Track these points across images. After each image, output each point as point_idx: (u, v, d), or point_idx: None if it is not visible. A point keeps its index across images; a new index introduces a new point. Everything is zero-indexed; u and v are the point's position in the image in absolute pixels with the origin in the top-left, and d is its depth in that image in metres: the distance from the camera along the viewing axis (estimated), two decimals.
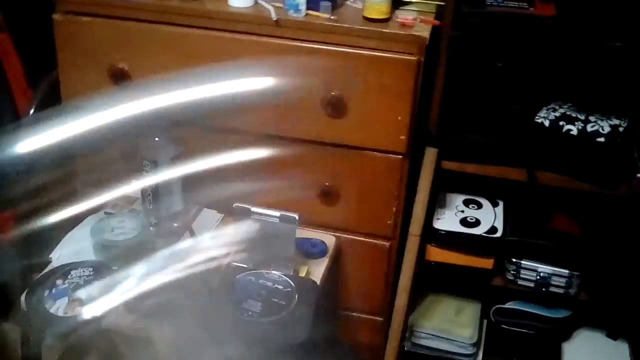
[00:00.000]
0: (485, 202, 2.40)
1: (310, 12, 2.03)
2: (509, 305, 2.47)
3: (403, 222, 2.22)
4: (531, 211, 2.37)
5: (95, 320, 1.79)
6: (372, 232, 2.24)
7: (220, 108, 1.97)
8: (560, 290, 2.27)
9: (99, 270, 1.88)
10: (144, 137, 2.01)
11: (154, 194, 2.04)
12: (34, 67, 2.25)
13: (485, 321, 2.54)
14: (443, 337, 2.43)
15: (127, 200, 2.22)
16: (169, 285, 1.64)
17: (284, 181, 2.20)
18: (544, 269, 2.25)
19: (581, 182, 2.12)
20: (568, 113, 2.13)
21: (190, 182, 2.13)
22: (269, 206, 2.01)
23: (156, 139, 2.00)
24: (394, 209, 2.18)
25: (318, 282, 2.06)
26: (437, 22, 2.06)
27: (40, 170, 2.22)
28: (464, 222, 2.30)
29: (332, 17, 2.01)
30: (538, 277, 2.26)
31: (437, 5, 2.11)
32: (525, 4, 2.09)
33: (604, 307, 2.35)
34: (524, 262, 2.26)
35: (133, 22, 2.09)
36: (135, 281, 1.62)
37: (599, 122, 2.09)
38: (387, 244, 2.25)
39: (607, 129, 2.06)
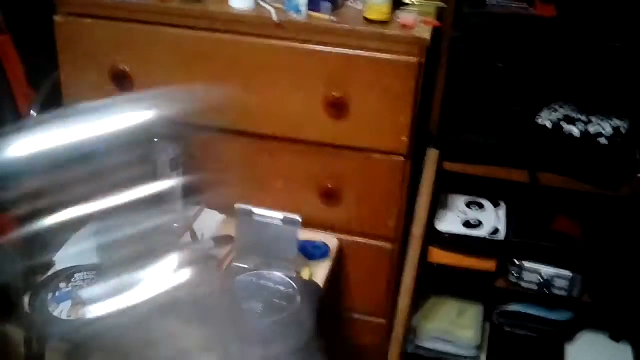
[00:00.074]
0: (487, 204, 2.40)
1: (311, 13, 2.03)
2: (511, 307, 2.47)
3: (405, 224, 2.22)
4: (533, 213, 2.37)
5: (99, 322, 1.79)
6: (374, 234, 2.24)
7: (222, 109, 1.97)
8: (563, 292, 2.27)
9: (102, 273, 1.88)
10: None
11: (154, 195, 2.04)
12: (35, 69, 2.25)
13: (487, 323, 2.54)
14: (445, 339, 2.43)
15: None
16: (171, 286, 1.64)
17: (286, 183, 2.21)
18: (547, 270, 2.25)
19: (583, 183, 2.12)
20: (569, 114, 2.13)
21: (191, 183, 2.13)
22: (271, 208, 2.01)
23: (155, 140, 2.00)
24: (396, 210, 2.18)
25: (320, 284, 2.06)
26: (438, 23, 2.06)
27: (43, 172, 2.22)
28: (466, 223, 2.30)
29: (333, 19, 2.01)
30: (541, 279, 2.26)
31: (438, 6, 2.11)
32: (525, 4, 2.10)
33: (607, 309, 2.35)
34: (526, 264, 2.26)
35: (134, 23, 2.09)
36: (137, 282, 1.62)
37: (601, 123, 2.09)
38: (389, 245, 2.25)
39: (608, 130, 2.06)
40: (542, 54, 2.09)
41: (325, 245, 2.20)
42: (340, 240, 2.26)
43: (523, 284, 2.30)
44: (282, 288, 1.95)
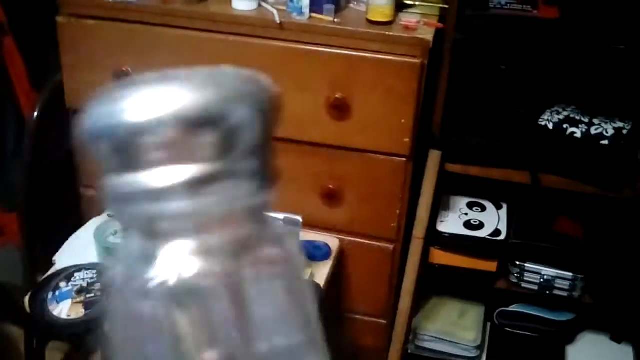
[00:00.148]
0: (489, 205, 2.39)
1: (314, 15, 2.03)
2: (512, 308, 2.47)
3: (407, 225, 2.22)
4: (535, 214, 2.37)
5: (98, 321, 1.79)
6: (376, 235, 2.24)
7: None
8: (564, 293, 2.27)
9: (102, 272, 1.88)
10: None
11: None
12: (38, 70, 2.25)
13: (489, 324, 2.54)
14: (446, 340, 2.43)
15: None
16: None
17: (288, 183, 2.20)
18: (548, 271, 2.25)
19: (585, 184, 2.12)
20: (572, 116, 2.13)
21: None
22: (272, 208, 2.01)
23: None
24: (398, 211, 2.18)
25: (322, 284, 2.06)
26: (440, 25, 2.06)
27: (45, 172, 2.22)
28: (467, 224, 2.30)
29: (335, 20, 2.01)
30: (542, 280, 2.26)
31: (441, 8, 2.11)
32: (529, 6, 2.09)
33: (608, 310, 2.35)
34: (527, 265, 2.26)
35: (137, 24, 2.09)
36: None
37: (603, 124, 2.08)
38: (390, 246, 2.25)
39: (610, 132, 2.06)
40: (545, 56, 2.09)
41: (327, 245, 2.21)
42: (341, 240, 2.26)
43: (524, 285, 2.29)
44: None
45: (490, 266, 2.30)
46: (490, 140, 2.19)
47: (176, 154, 0.47)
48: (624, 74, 2.09)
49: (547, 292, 2.27)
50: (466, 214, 2.35)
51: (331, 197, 2.19)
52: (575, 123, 2.10)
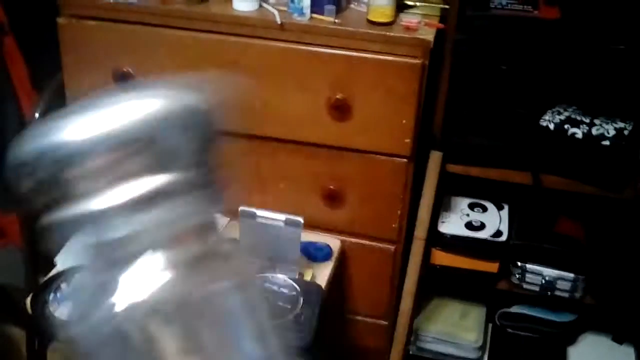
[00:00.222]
0: (490, 206, 2.39)
1: (315, 15, 2.03)
2: (514, 309, 2.47)
3: (408, 226, 2.22)
4: (536, 215, 2.37)
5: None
6: (377, 236, 2.24)
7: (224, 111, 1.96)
8: (566, 294, 2.27)
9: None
10: None
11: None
12: (39, 71, 2.25)
13: (490, 325, 2.53)
14: (448, 341, 2.43)
15: None
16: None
17: (289, 184, 2.21)
18: (549, 272, 2.25)
19: (586, 185, 2.12)
20: (573, 116, 2.12)
21: None
22: (274, 210, 2.01)
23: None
24: (399, 212, 2.18)
25: (323, 285, 2.06)
26: (441, 26, 2.06)
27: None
28: (469, 225, 2.30)
29: (336, 21, 2.01)
30: (543, 281, 2.26)
31: (442, 8, 2.11)
32: (529, 6, 2.09)
33: (610, 311, 2.35)
34: (529, 266, 2.26)
35: (138, 25, 2.09)
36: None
37: (604, 125, 2.08)
38: (392, 247, 2.25)
39: (612, 132, 2.06)
40: (546, 56, 2.09)
41: (328, 246, 2.20)
42: (342, 241, 2.26)
43: (525, 286, 2.29)
44: (285, 291, 1.95)
45: (492, 267, 2.30)
46: (491, 141, 2.19)
47: (111, 178, 0.47)
48: (624, 74, 2.09)
49: (549, 293, 2.27)
50: (467, 215, 2.35)
51: (332, 198, 2.19)
52: (576, 123, 2.09)
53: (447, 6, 2.09)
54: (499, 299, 2.47)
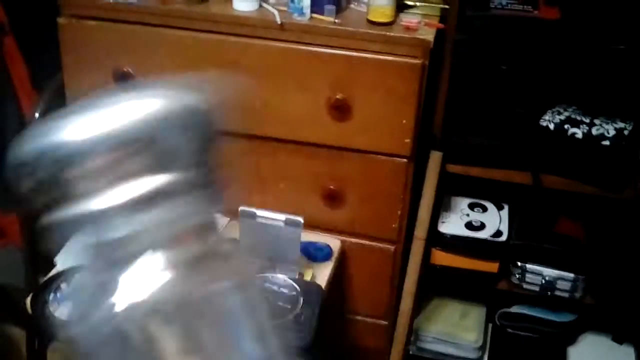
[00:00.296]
0: (490, 206, 2.39)
1: (315, 15, 2.03)
2: (514, 309, 2.47)
3: (408, 226, 2.22)
4: (536, 215, 2.37)
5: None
6: (377, 236, 2.24)
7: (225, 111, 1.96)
8: (566, 294, 2.27)
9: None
10: None
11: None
12: (39, 71, 2.26)
13: (490, 325, 2.53)
14: (448, 341, 2.43)
15: None
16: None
17: (289, 184, 2.20)
18: (549, 272, 2.25)
19: (586, 185, 2.12)
20: (573, 116, 2.12)
21: None
22: (274, 210, 2.01)
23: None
24: (399, 212, 2.18)
25: (323, 285, 2.06)
26: (441, 26, 2.06)
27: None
28: (469, 225, 2.30)
29: (336, 21, 2.01)
30: (543, 281, 2.26)
31: (442, 8, 2.11)
32: (529, 7, 2.09)
33: (610, 310, 2.35)
34: (529, 266, 2.26)
35: (138, 25, 2.09)
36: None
37: (604, 125, 2.08)
38: (392, 247, 2.25)
39: (612, 132, 2.06)
40: (546, 56, 2.09)
41: (328, 246, 2.20)
42: (342, 241, 2.26)
43: (525, 286, 2.29)
44: (285, 291, 1.95)
45: (492, 267, 2.30)
46: (491, 141, 2.19)
47: (111, 178, 0.47)
48: (624, 74, 2.09)
49: (549, 293, 2.27)
50: (467, 215, 2.35)
51: (332, 198, 2.19)
52: (576, 123, 2.10)
53: (447, 6, 2.09)
54: (499, 299, 2.47)
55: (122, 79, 2.12)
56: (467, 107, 2.24)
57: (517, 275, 2.28)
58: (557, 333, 2.44)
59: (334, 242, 2.24)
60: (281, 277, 1.99)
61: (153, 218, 0.48)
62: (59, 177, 0.47)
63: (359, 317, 2.40)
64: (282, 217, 1.99)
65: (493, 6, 2.11)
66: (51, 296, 1.83)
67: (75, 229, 0.48)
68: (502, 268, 2.30)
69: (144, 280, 0.49)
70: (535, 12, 2.08)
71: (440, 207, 2.35)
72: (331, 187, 2.17)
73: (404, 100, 2.00)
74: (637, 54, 2.03)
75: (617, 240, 2.28)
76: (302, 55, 2.02)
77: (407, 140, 2.06)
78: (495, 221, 2.32)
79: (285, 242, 2.01)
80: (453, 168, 2.22)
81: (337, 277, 2.23)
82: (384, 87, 2.00)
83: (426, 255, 2.24)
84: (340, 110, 2.04)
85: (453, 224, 2.31)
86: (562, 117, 2.12)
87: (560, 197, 2.23)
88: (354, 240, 2.26)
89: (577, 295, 2.26)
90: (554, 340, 2.45)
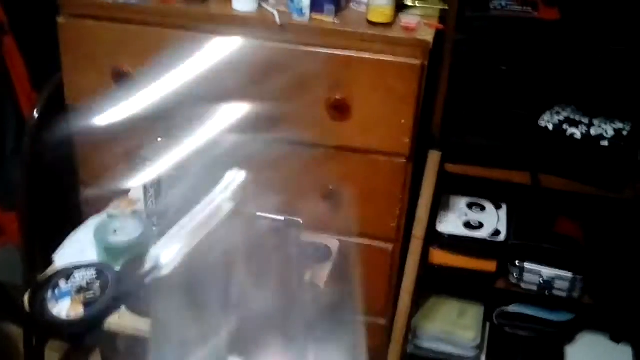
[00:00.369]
0: (488, 205, 2.40)
1: (314, 16, 2.03)
2: (512, 308, 2.48)
3: (406, 225, 2.22)
4: (535, 214, 2.37)
5: (98, 321, 1.80)
6: (376, 235, 2.24)
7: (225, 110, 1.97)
8: (564, 294, 2.27)
9: (102, 271, 1.88)
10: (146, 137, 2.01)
11: (156, 195, 2.04)
12: (38, 70, 2.25)
13: (488, 324, 2.54)
14: (446, 340, 2.44)
15: (129, 202, 2.22)
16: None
17: (288, 184, 2.20)
18: (547, 272, 2.25)
19: (585, 185, 2.12)
20: (571, 116, 2.13)
21: None
22: (272, 209, 2.01)
23: (158, 139, 2.00)
24: (398, 211, 2.18)
25: (321, 285, 2.06)
26: (440, 26, 2.06)
27: (44, 171, 2.23)
28: (467, 225, 2.30)
29: (335, 21, 2.01)
30: (541, 280, 2.26)
31: (441, 9, 2.11)
32: (529, 7, 2.09)
33: (607, 310, 2.35)
34: (527, 265, 2.26)
35: (137, 25, 2.09)
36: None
37: (603, 125, 2.09)
38: (390, 246, 2.25)
39: (610, 133, 2.06)
40: (545, 57, 2.09)
41: (327, 247, 2.20)
42: (341, 241, 2.26)
43: (523, 285, 2.30)
44: None
45: (490, 266, 2.30)
46: (490, 141, 2.19)
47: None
48: (623, 74, 2.09)
49: (547, 293, 2.27)
50: (466, 214, 2.35)
51: (331, 198, 2.19)
52: (575, 124, 2.10)
53: (446, 7, 2.09)
54: (497, 298, 2.47)
55: (121, 79, 2.12)
56: (466, 107, 2.24)
57: (515, 275, 2.28)
58: (555, 332, 2.45)
59: (333, 242, 2.24)
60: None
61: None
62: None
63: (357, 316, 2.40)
64: (281, 217, 1.98)
65: (492, 7, 2.11)
66: (49, 294, 1.83)
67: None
68: (500, 267, 2.31)
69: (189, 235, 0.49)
70: (535, 12, 2.08)
71: (439, 206, 2.35)
72: (330, 186, 2.17)
73: (403, 100, 2.00)
74: (636, 55, 2.03)
75: (616, 240, 2.28)
76: (302, 56, 2.02)
77: (406, 140, 2.06)
78: (493, 220, 2.33)
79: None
80: (452, 168, 2.22)
81: (336, 277, 2.23)
82: (383, 87, 2.00)
83: (424, 254, 2.24)
84: (340, 110, 2.04)
85: (451, 224, 2.32)
86: (561, 118, 2.13)
87: (559, 197, 2.23)
88: (352, 239, 2.26)
89: (575, 294, 2.27)
90: (551, 339, 2.46)
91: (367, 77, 2.00)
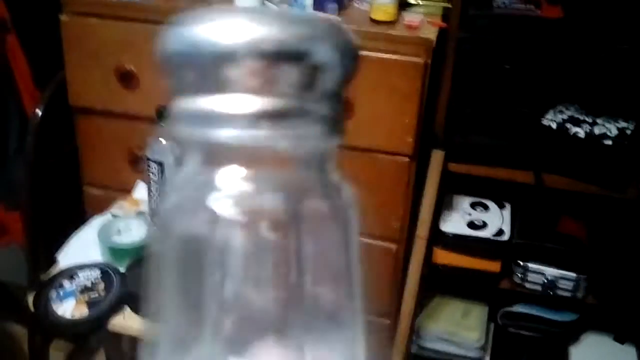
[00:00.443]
0: (492, 205, 2.39)
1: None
2: (516, 308, 2.47)
3: (410, 225, 2.22)
4: (538, 214, 2.37)
5: (102, 321, 1.79)
6: (379, 235, 2.24)
7: None
8: (568, 294, 2.27)
9: (106, 271, 1.88)
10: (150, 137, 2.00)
11: (160, 196, 2.04)
12: (41, 68, 2.26)
13: (492, 324, 2.53)
14: (450, 340, 2.43)
15: (133, 202, 2.23)
16: None
17: None
18: (551, 272, 2.25)
19: (588, 184, 2.12)
20: (575, 115, 2.12)
21: None
22: None
23: (161, 139, 2.00)
24: (401, 211, 2.18)
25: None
26: (444, 24, 2.06)
27: (48, 170, 2.23)
28: (470, 224, 2.30)
29: (338, 19, 2.01)
30: (545, 281, 2.26)
31: (444, 7, 2.11)
32: (532, 6, 2.09)
33: (611, 310, 2.35)
34: (531, 265, 2.26)
35: (140, 23, 2.09)
36: None
37: (606, 124, 2.08)
38: (393, 246, 2.25)
39: (614, 132, 2.06)
40: (548, 55, 2.09)
41: None
42: None
43: (527, 285, 2.29)
44: None
45: (494, 266, 2.30)
46: (493, 140, 2.19)
47: (253, 84, 0.47)
48: (627, 73, 2.09)
49: (551, 293, 2.27)
50: (469, 214, 2.35)
51: None
52: (578, 123, 2.09)
53: (449, 5, 2.09)
54: (500, 298, 2.46)
55: (125, 77, 2.13)
56: (469, 106, 2.24)
57: (519, 275, 2.28)
58: (559, 332, 2.44)
59: None
60: None
61: (274, 134, 0.48)
62: (215, 73, 0.46)
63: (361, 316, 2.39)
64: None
65: (495, 5, 2.11)
66: (53, 294, 1.83)
67: (198, 121, 0.47)
68: (504, 267, 2.30)
69: (239, 191, 0.48)
70: (538, 11, 2.08)
71: (442, 206, 2.35)
72: None
73: (406, 98, 2.00)
74: (639, 54, 2.03)
75: (620, 240, 2.28)
76: None
77: (410, 139, 2.05)
78: (497, 220, 2.32)
79: None
80: (455, 167, 2.22)
81: None
82: (386, 86, 2.00)
83: (428, 254, 2.23)
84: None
85: (455, 223, 2.31)
86: (565, 117, 2.12)
87: (563, 196, 2.23)
88: None
89: (579, 294, 2.26)
90: (555, 339, 2.45)
91: (370, 75, 2.00)
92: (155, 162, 1.99)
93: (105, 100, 2.18)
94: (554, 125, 2.11)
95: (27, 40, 2.22)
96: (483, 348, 2.44)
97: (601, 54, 2.05)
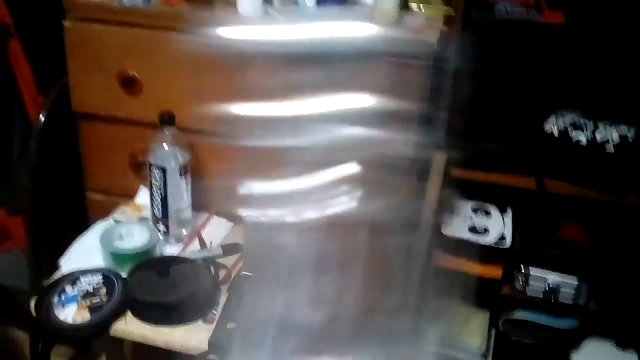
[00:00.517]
0: (493, 210, 2.39)
1: None
2: (517, 314, 2.47)
3: None
4: (540, 220, 2.37)
5: (104, 326, 1.80)
6: None
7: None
8: (569, 300, 2.27)
9: (108, 277, 1.88)
10: (152, 143, 2.01)
11: (162, 201, 2.05)
12: (44, 73, 2.26)
13: (493, 330, 2.53)
14: (451, 346, 2.43)
15: (136, 207, 2.23)
16: None
17: None
18: (553, 278, 2.25)
19: (590, 190, 2.12)
20: (577, 121, 2.12)
21: (199, 190, 2.13)
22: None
23: (164, 145, 2.00)
24: None
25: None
26: (445, 28, 2.06)
27: (50, 175, 2.23)
28: (472, 229, 2.30)
29: None
30: (547, 287, 2.26)
31: (446, 12, 2.11)
32: (533, 11, 2.10)
33: (613, 316, 2.34)
34: (532, 271, 2.26)
35: (143, 29, 2.09)
36: None
37: (608, 130, 2.08)
38: None
39: (615, 138, 2.06)
40: (550, 60, 2.09)
41: None
42: None
43: (529, 291, 2.29)
44: None
45: (495, 272, 2.30)
46: (495, 145, 2.19)
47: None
48: (628, 79, 2.09)
49: (552, 299, 2.27)
50: (471, 219, 2.35)
51: None
52: (580, 128, 2.10)
53: (451, 9, 2.09)
54: (502, 304, 2.46)
55: (127, 82, 2.13)
56: (470, 110, 2.24)
57: (521, 281, 2.28)
58: (561, 339, 2.44)
59: None
60: None
61: (361, 135, 0.48)
62: None
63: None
64: None
65: (497, 10, 2.11)
66: (55, 299, 1.83)
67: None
68: (506, 273, 2.30)
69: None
70: (540, 16, 2.08)
71: (444, 210, 2.35)
72: None
73: (408, 102, 2.00)
74: None
75: (621, 246, 2.28)
76: None
77: (412, 143, 2.05)
78: (498, 226, 2.32)
79: None
80: (457, 172, 2.22)
81: None
82: (387, 89, 2.00)
83: (430, 258, 2.23)
84: None
85: (457, 228, 2.31)
86: (566, 122, 2.12)
87: (564, 202, 2.23)
88: None
89: (581, 301, 2.26)
90: (557, 346, 2.45)
91: (372, 78, 1.99)
92: (158, 167, 2.00)
93: (108, 106, 2.19)
94: (555, 131, 2.11)
95: (30, 46, 2.22)
96: (484, 354, 2.43)
97: (602, 59, 2.05)
